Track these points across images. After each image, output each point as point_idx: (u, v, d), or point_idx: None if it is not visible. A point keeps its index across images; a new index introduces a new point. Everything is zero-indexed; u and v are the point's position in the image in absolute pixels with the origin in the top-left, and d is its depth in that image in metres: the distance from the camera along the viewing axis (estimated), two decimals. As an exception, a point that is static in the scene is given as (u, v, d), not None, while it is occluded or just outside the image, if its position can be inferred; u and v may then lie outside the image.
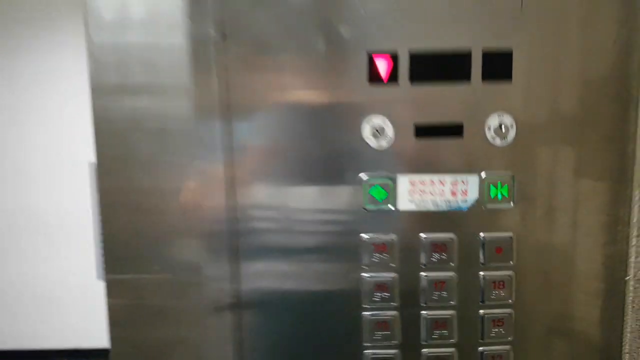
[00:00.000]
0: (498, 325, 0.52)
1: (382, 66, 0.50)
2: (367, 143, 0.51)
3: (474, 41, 0.50)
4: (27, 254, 2.67)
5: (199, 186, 0.52)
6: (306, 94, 0.52)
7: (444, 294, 0.51)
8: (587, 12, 0.51)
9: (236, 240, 0.52)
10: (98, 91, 0.53)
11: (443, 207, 0.51)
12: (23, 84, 2.51)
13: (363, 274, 0.52)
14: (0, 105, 2.52)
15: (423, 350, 0.53)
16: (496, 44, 0.50)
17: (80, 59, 2.26)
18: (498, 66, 0.51)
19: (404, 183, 0.51)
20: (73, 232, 2.67)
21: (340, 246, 0.52)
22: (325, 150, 0.52)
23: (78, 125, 2.55)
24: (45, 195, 2.63)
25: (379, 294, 0.52)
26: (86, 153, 2.43)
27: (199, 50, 0.50)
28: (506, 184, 0.51)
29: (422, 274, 0.52)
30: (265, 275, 0.53)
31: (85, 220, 2.72)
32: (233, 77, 0.51)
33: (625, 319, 0.53)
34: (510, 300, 0.52)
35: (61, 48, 2.48)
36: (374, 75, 0.51)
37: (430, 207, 0.51)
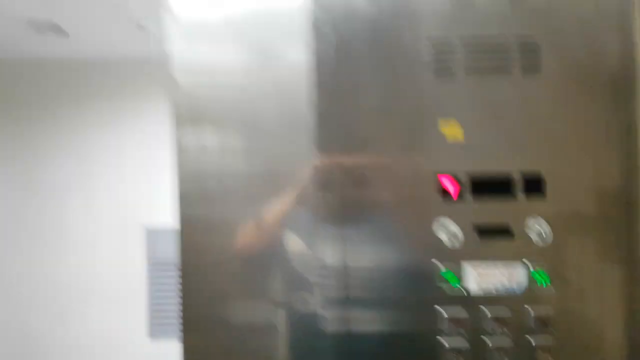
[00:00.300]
0: (546, 382, 0.69)
1: (450, 186, 0.70)
2: (441, 240, 0.70)
3: (515, 167, 0.70)
4: (83, 313, 2.84)
5: (317, 251, 0.71)
6: (394, 202, 0.71)
7: (504, 356, 0.68)
8: (597, 143, 0.71)
9: (346, 291, 0.70)
10: (184, 201, 0.74)
11: (502, 290, 0.69)
12: (93, 156, 2.79)
13: (440, 340, 0.69)
14: (70, 173, 2.79)
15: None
16: (531, 169, 0.70)
17: (142, 141, 2.55)
18: (534, 185, 0.70)
19: (471, 272, 0.69)
20: (126, 293, 2.85)
21: (422, 312, 0.70)
22: (411, 239, 0.71)
23: (136, 194, 2.80)
24: (102, 257, 2.84)
25: (453, 357, 0.69)
26: (141, 218, 2.70)
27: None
28: (547, 273, 0.69)
29: (487, 341, 0.69)
30: (364, 320, 0.70)
31: (137, 281, 2.91)
32: (345, 192, 0.71)
33: (646, 376, 0.69)
34: (554, 362, 0.69)
35: (128, 131, 2.77)
36: (445, 193, 0.70)
37: (492, 291, 0.69)
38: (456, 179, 0.70)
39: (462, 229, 0.70)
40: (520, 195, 0.70)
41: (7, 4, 2.01)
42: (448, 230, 0.70)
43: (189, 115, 0.75)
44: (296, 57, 0.73)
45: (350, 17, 0.71)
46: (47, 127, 2.77)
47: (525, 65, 0.70)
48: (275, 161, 0.73)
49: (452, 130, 0.71)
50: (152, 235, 2.97)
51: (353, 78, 0.72)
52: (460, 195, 0.70)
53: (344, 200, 0.71)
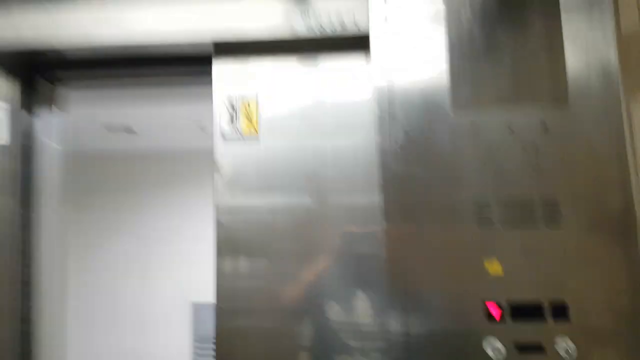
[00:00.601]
0: None
1: (494, 311, 0.91)
2: (489, 356, 0.90)
3: (544, 296, 0.91)
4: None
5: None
6: (447, 318, 0.92)
7: None
8: (609, 271, 0.91)
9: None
10: (219, 315, 1.02)
11: (538, 396, 0.88)
12: (150, 237, 3.06)
13: None
14: (129, 252, 3.06)
15: None
16: (558, 297, 0.91)
17: (195, 223, 2.80)
18: (560, 312, 0.90)
19: (513, 380, 0.89)
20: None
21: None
22: (462, 352, 0.91)
23: (186, 272, 3.03)
24: (154, 335, 3.04)
25: None
26: (189, 295, 2.93)
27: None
28: (574, 382, 0.88)
29: None
30: None
31: (183, 354, 3.08)
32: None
33: None
34: None
35: (184, 213, 3.05)
36: (489, 316, 0.91)
37: (531, 396, 0.88)
38: (498, 305, 0.91)
39: (504, 345, 0.90)
40: (549, 318, 0.90)
41: (89, 113, 2.35)
42: (493, 346, 0.90)
43: (227, 248, 1.07)
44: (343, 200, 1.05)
45: (410, 181, 0.95)
46: (110, 212, 3.06)
47: (548, 216, 0.93)
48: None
49: (493, 266, 0.92)
50: (199, 310, 3.17)
51: (414, 227, 0.95)
52: (502, 318, 0.91)
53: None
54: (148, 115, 2.30)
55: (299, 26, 1.07)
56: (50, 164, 1.22)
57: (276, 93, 1.12)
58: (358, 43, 1.08)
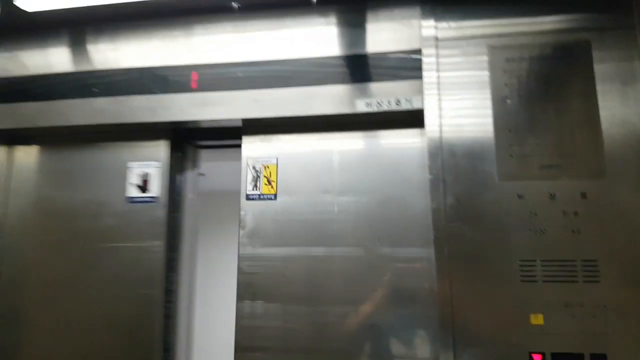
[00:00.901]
0: None
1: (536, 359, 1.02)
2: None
3: (584, 349, 1.01)
4: None
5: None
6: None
7: None
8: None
9: None
10: (239, 351, 1.20)
11: None
12: (210, 270, 3.23)
13: None
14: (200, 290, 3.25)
15: None
16: (597, 351, 1.00)
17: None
18: (600, 361, 1.00)
19: None
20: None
21: None
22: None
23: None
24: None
25: None
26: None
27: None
28: None
29: None
30: None
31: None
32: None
33: None
34: None
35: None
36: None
37: None
38: (542, 356, 1.02)
39: (547, 391, 1.00)
40: (590, 367, 1.00)
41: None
42: (537, 393, 1.00)
43: (246, 293, 1.27)
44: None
45: (459, 239, 1.09)
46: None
47: (587, 276, 1.03)
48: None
49: (536, 319, 1.03)
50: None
51: (463, 279, 1.07)
52: (544, 366, 1.01)
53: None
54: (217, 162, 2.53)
55: (360, 104, 1.26)
56: (189, 211, 1.49)
57: (293, 158, 1.36)
58: (400, 118, 1.28)
